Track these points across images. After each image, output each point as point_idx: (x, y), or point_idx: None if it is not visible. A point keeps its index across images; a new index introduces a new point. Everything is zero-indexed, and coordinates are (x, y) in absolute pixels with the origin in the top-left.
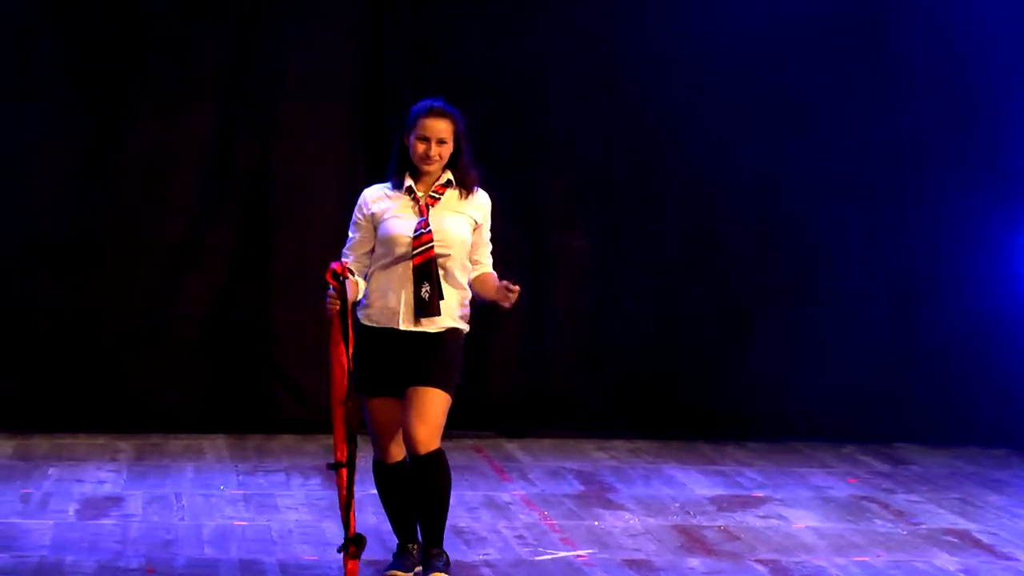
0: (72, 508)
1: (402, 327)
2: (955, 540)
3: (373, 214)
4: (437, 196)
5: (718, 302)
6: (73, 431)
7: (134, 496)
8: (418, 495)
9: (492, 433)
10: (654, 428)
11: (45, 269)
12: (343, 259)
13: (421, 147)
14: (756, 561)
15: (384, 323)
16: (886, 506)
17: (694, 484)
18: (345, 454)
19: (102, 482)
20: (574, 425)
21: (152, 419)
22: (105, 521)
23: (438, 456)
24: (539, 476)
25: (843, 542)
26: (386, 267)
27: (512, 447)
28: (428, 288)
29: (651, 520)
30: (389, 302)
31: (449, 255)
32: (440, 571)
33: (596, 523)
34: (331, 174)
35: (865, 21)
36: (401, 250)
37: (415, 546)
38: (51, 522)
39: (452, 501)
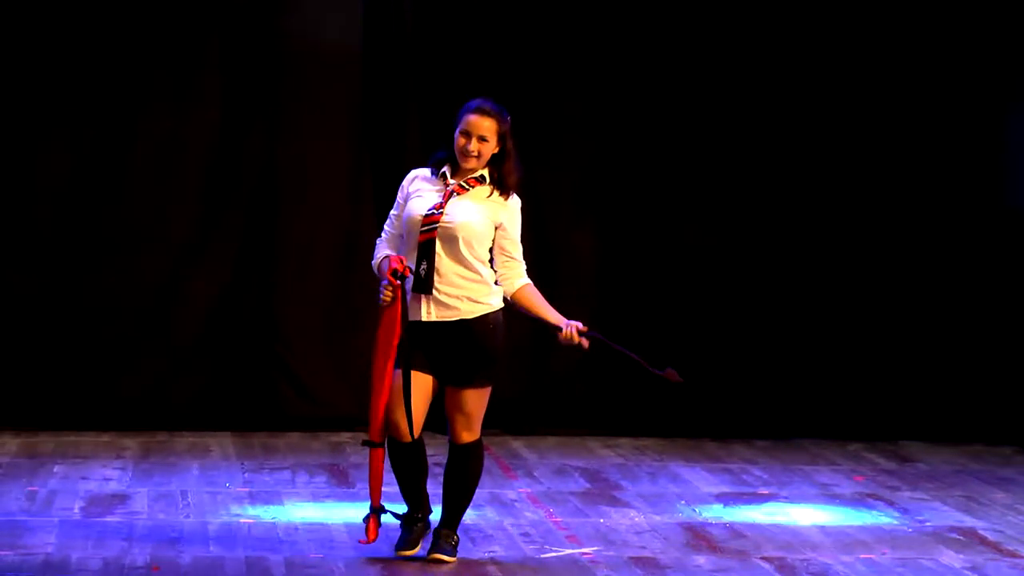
0: (78, 506)
1: (424, 318)
2: (961, 538)
3: (408, 193)
4: (467, 187)
5: (723, 299)
6: (79, 429)
7: (140, 494)
8: (449, 479)
9: (498, 430)
10: (660, 426)
11: (51, 266)
12: (383, 234)
13: (462, 141)
14: (762, 559)
15: (411, 315)
16: (892, 503)
17: (700, 482)
18: (381, 436)
19: (108, 479)
20: (580, 423)
21: (158, 417)
22: (110, 519)
23: (475, 447)
24: (545, 474)
25: (849, 540)
26: (407, 253)
27: (518, 444)
28: (426, 266)
29: (657, 518)
30: (410, 290)
31: (455, 235)
32: (445, 553)
33: (602, 521)
34: (336, 173)
35: None
36: (413, 231)
37: (420, 515)
38: (56, 519)
39: None
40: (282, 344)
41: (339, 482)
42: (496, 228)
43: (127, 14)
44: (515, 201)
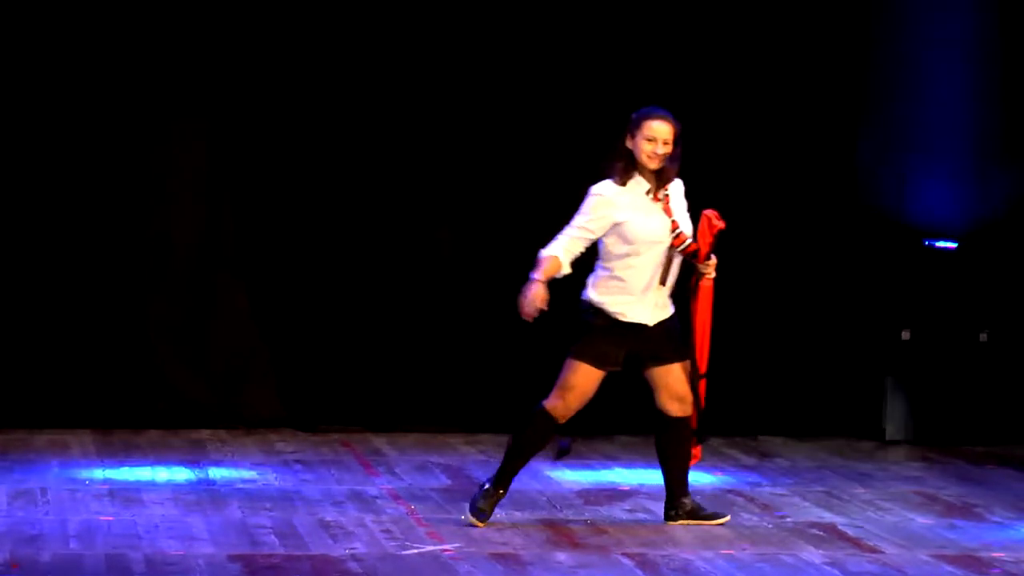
0: None
1: (652, 322)
2: (821, 533)
3: (619, 213)
4: (667, 194)
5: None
6: None
7: None
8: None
9: (359, 428)
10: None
11: None
12: (572, 235)
13: (649, 146)
14: (623, 555)
15: (633, 318)
16: (752, 499)
17: (561, 478)
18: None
19: None
20: (441, 419)
21: (17, 414)
22: None
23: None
24: (406, 470)
25: (709, 535)
26: (637, 265)
27: (379, 441)
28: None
29: (518, 514)
30: (645, 300)
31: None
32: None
33: (463, 517)
34: (198, 172)
35: None
36: (656, 247)
37: (503, 491)
38: None
39: (317, 496)
40: (143, 340)
41: (199, 478)
42: None
43: (114, 28)
44: (678, 185)
